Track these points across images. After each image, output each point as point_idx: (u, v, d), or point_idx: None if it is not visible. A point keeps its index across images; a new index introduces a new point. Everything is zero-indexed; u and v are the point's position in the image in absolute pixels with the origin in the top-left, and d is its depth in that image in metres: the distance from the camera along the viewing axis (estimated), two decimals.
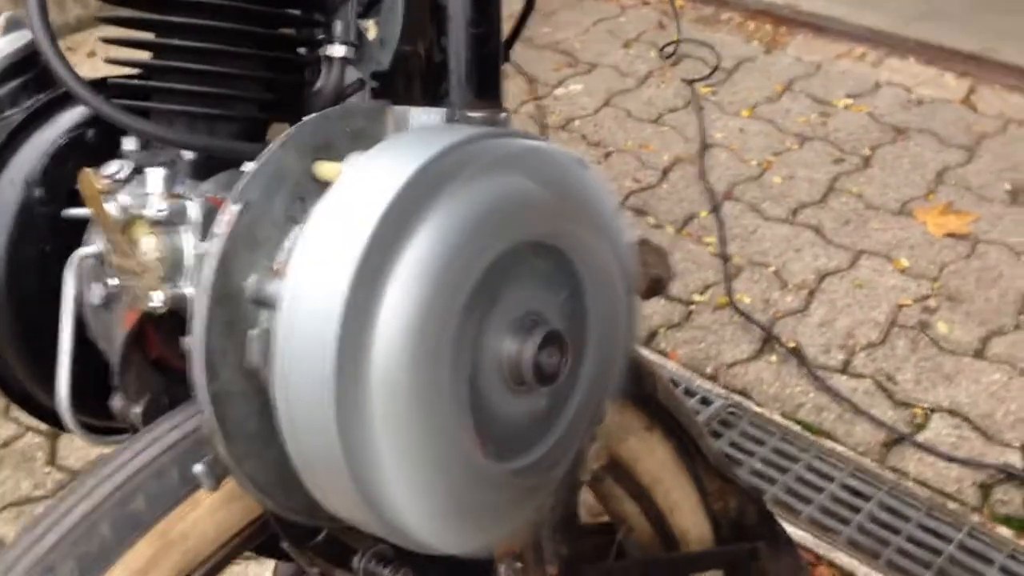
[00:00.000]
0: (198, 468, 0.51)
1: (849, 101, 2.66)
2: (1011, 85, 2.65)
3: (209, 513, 0.55)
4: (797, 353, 1.96)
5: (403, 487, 0.46)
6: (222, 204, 0.55)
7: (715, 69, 2.80)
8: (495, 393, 0.49)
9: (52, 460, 1.78)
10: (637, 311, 0.55)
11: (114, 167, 0.61)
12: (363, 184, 0.46)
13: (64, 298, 0.59)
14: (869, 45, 2.88)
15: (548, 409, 0.52)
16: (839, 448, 1.78)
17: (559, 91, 2.81)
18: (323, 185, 0.52)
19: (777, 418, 1.84)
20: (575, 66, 2.92)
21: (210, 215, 0.54)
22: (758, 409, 1.86)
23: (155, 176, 0.54)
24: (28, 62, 0.64)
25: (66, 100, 0.63)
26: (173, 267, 0.54)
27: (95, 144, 0.63)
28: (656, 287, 0.65)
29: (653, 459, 0.86)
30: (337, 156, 0.52)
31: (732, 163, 2.48)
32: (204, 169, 0.60)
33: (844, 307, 2.07)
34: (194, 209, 0.53)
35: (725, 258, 2.19)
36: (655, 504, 0.88)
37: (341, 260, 0.45)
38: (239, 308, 0.50)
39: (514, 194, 0.48)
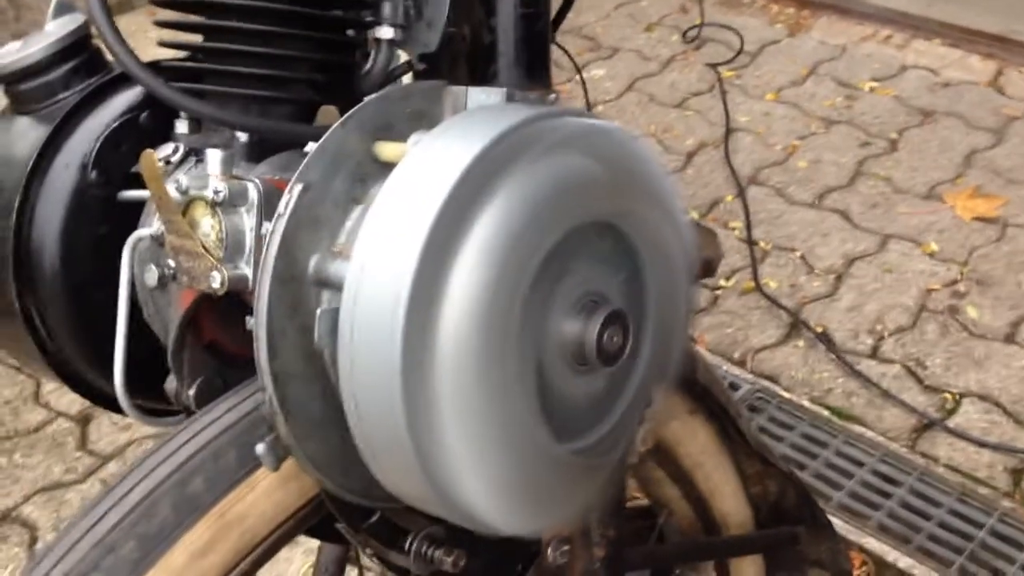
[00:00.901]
0: (260, 448, 0.51)
1: (875, 84, 2.64)
2: None
3: (266, 494, 0.56)
4: (825, 338, 1.95)
5: (469, 467, 0.46)
6: (282, 185, 0.55)
7: (739, 52, 2.78)
8: (557, 373, 0.49)
9: (83, 445, 1.79)
10: (695, 291, 0.54)
11: (168, 149, 0.61)
12: (429, 164, 0.46)
13: (121, 280, 0.59)
14: (894, 27, 2.85)
15: (608, 389, 0.52)
16: (869, 433, 1.77)
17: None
18: (384, 166, 0.52)
19: (806, 403, 1.83)
20: (597, 51, 2.91)
21: (270, 196, 0.54)
22: (786, 394, 1.85)
23: (214, 157, 0.54)
24: (79, 46, 0.64)
25: (118, 83, 0.64)
26: (233, 248, 0.54)
27: (148, 127, 0.63)
28: (707, 269, 0.64)
29: (695, 442, 0.86)
30: (398, 137, 0.52)
31: (757, 147, 2.47)
32: (258, 151, 0.60)
33: (872, 292, 2.05)
34: (254, 190, 0.53)
35: (751, 243, 2.18)
36: (696, 488, 0.88)
37: (408, 241, 0.45)
38: (301, 289, 0.50)
39: (577, 174, 0.48)
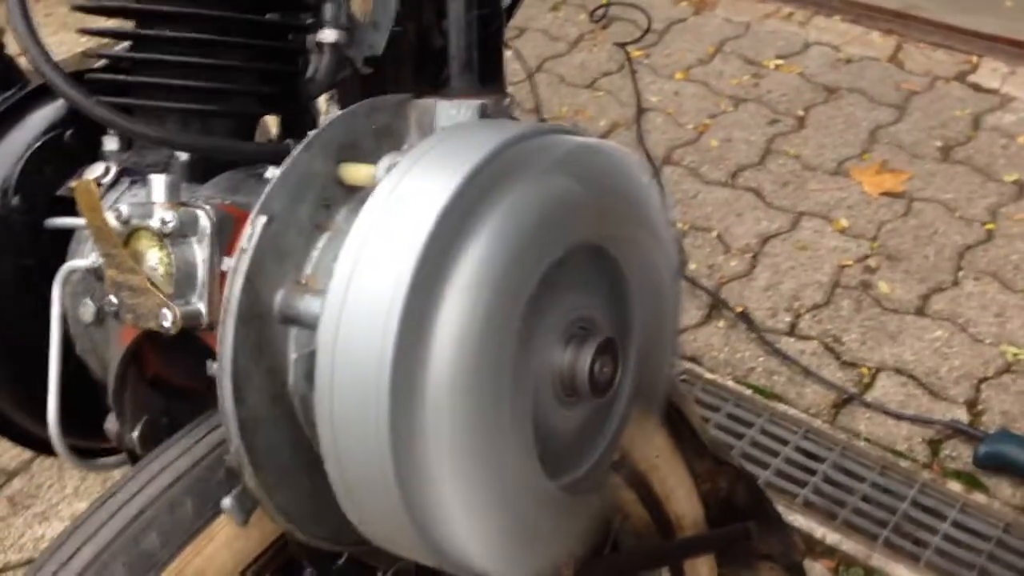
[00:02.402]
0: (227, 502, 0.47)
1: (780, 61, 2.67)
2: (936, 42, 2.69)
3: (226, 545, 0.52)
4: (745, 317, 1.97)
5: (461, 513, 0.43)
6: (233, 210, 0.50)
7: (646, 31, 2.78)
8: (546, 406, 0.47)
9: None
10: (680, 312, 0.52)
11: (99, 170, 0.56)
12: (409, 194, 0.43)
13: (52, 316, 0.54)
14: (796, 4, 2.89)
15: (596, 419, 0.50)
16: (791, 411, 1.80)
17: None
18: (350, 189, 0.48)
19: (730, 384, 1.85)
20: None
21: (222, 224, 0.49)
22: (710, 375, 1.87)
23: (158, 184, 0.49)
24: None
25: (37, 97, 0.58)
26: (184, 282, 0.49)
27: (73, 145, 0.57)
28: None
29: (651, 446, 0.85)
30: (363, 156, 0.48)
31: (669, 127, 2.47)
32: (200, 170, 0.56)
33: (788, 270, 2.08)
34: (205, 218, 0.49)
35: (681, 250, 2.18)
36: (651, 491, 0.87)
37: (393, 273, 0.41)
38: (266, 327, 0.46)
39: (567, 199, 0.45)
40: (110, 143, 0.57)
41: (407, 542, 0.45)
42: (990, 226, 2.16)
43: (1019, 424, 1.75)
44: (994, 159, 2.32)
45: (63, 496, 1.64)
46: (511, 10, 0.72)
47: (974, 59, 2.63)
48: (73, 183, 0.57)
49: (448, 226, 0.42)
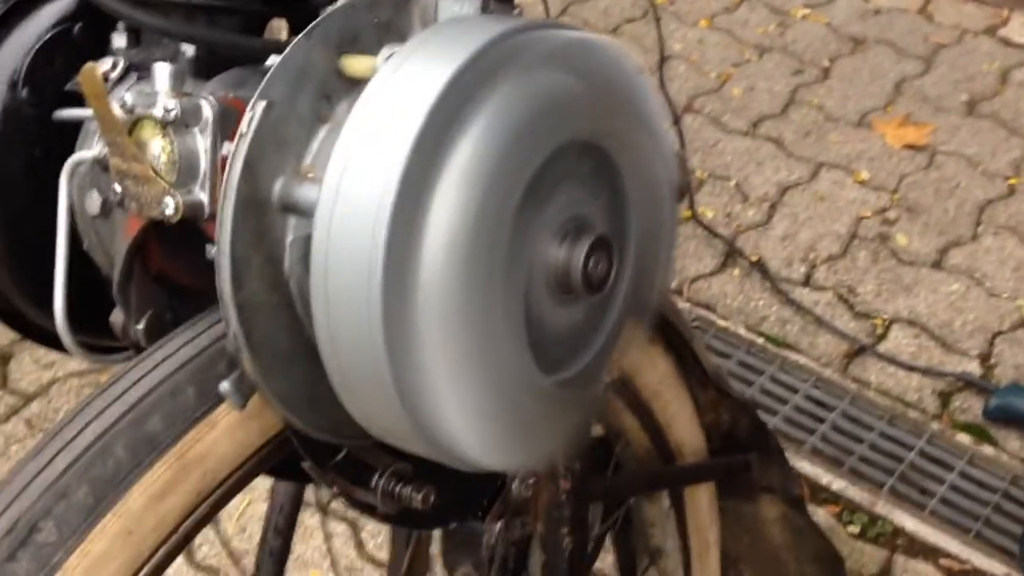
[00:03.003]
0: (224, 386, 0.48)
1: (807, 11, 2.64)
2: None
3: (227, 433, 0.53)
4: (760, 267, 1.96)
5: (453, 401, 0.44)
6: (237, 103, 0.51)
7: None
8: (541, 302, 0.47)
9: (3, 384, 1.72)
10: (677, 216, 0.53)
11: (107, 64, 0.56)
12: (405, 82, 0.43)
13: (59, 208, 0.55)
14: None
15: (591, 318, 0.50)
16: (802, 360, 1.80)
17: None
18: (351, 82, 0.48)
19: (742, 331, 1.85)
20: None
21: (225, 115, 0.50)
22: (723, 323, 1.87)
23: (162, 72, 0.49)
24: None
25: None
26: (186, 171, 0.50)
27: (82, 40, 0.58)
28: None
29: (654, 372, 0.85)
30: (365, 49, 0.48)
31: (691, 75, 2.45)
32: (206, 67, 0.56)
33: (805, 220, 2.07)
34: (208, 108, 0.49)
35: (687, 172, 2.17)
36: (654, 417, 0.87)
37: (387, 161, 0.42)
38: (265, 215, 0.47)
39: (562, 92, 0.45)
40: (118, 39, 0.57)
41: (399, 429, 0.46)
42: (1013, 181, 2.14)
43: None
44: (1020, 114, 2.29)
45: None
46: None
47: (1004, 13, 2.59)
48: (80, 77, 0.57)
49: (442, 115, 0.42)
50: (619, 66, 0.48)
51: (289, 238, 0.46)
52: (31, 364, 1.75)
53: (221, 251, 0.45)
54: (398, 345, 0.43)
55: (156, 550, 0.50)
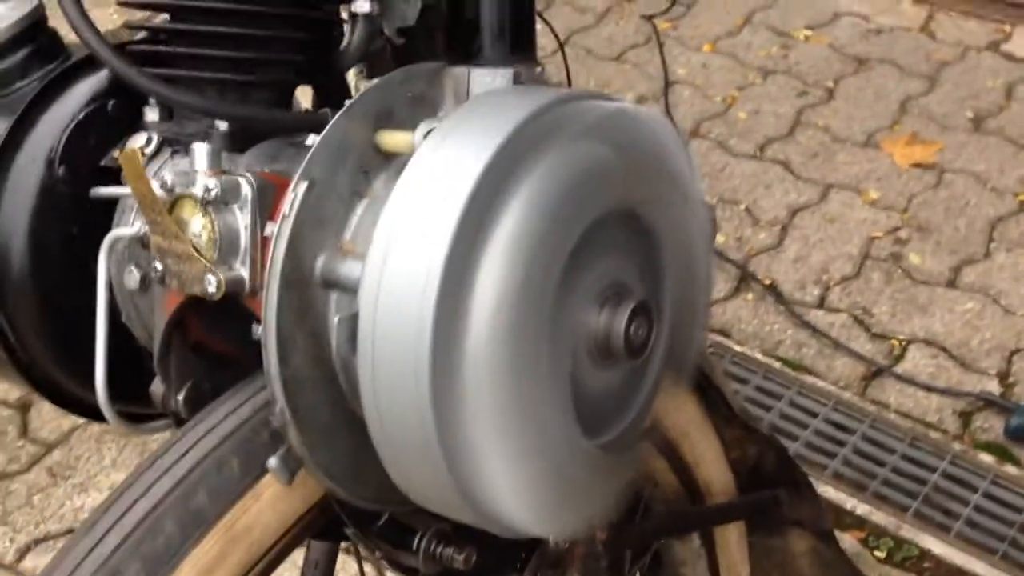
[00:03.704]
0: (272, 462, 0.48)
1: (809, 32, 2.65)
2: (967, 11, 2.66)
3: (271, 504, 0.53)
4: (774, 290, 1.97)
5: (501, 470, 0.44)
6: (273, 178, 0.51)
7: (674, 3, 2.76)
8: (583, 368, 0.48)
9: (24, 433, 1.73)
10: (714, 276, 0.53)
11: (141, 140, 0.57)
12: (448, 158, 0.44)
13: (99, 283, 0.55)
14: None
15: (630, 381, 0.50)
16: (820, 383, 1.80)
17: None
18: (387, 156, 0.49)
19: (758, 356, 1.85)
20: None
21: (263, 191, 0.50)
22: (739, 348, 1.87)
23: (200, 152, 0.50)
24: (35, 28, 0.59)
25: (80, 69, 0.59)
26: (227, 249, 0.50)
27: (116, 116, 0.59)
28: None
29: (682, 413, 0.85)
30: (399, 124, 0.49)
31: (696, 99, 2.46)
32: (240, 140, 0.57)
33: (817, 242, 2.08)
34: (247, 186, 0.50)
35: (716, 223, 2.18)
36: (682, 458, 0.88)
37: (431, 239, 0.42)
38: (308, 292, 0.47)
39: (600, 164, 0.46)
40: (151, 114, 0.58)
41: (447, 499, 0.46)
42: (1023, 197, 2.14)
43: None
44: None
45: (101, 467, 1.67)
46: None
47: (1007, 28, 2.60)
48: (117, 153, 0.58)
49: (485, 190, 0.43)
50: (654, 134, 0.48)
51: (333, 315, 0.47)
52: (51, 412, 1.75)
53: (267, 329, 0.46)
54: (446, 417, 0.43)
55: None
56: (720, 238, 2.08)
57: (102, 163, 0.58)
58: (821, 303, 1.95)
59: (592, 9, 2.81)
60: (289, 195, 0.46)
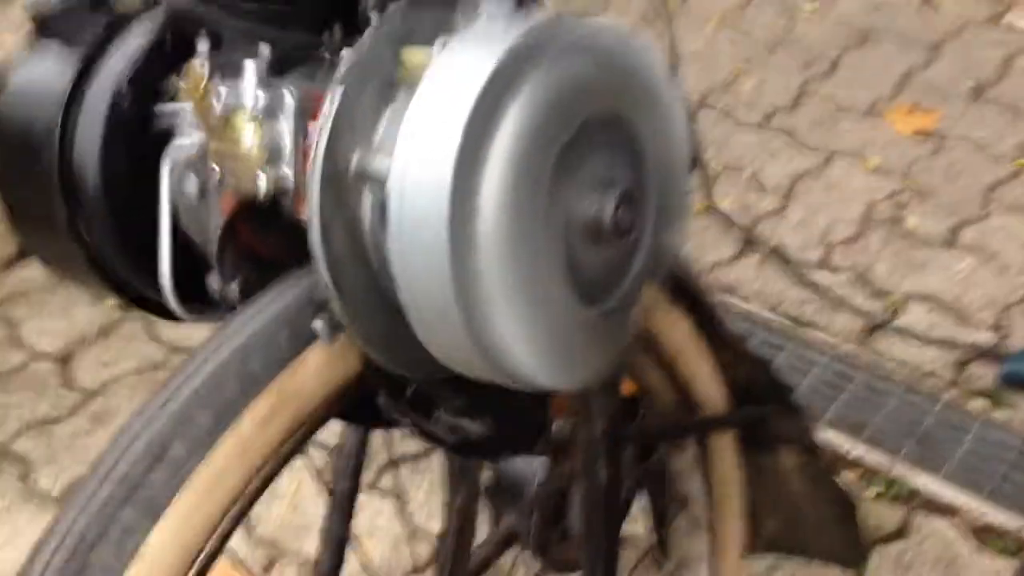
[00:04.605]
0: (318, 324, 0.58)
1: (815, 5, 2.72)
2: None
3: (315, 373, 0.62)
4: (778, 252, 2.05)
5: (511, 328, 0.53)
6: (311, 92, 0.61)
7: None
8: (579, 245, 0.57)
9: (65, 383, 1.84)
10: (691, 176, 0.62)
11: (196, 64, 0.66)
12: (460, 67, 0.53)
13: (161, 189, 0.65)
14: None
15: (621, 258, 0.59)
16: (821, 336, 1.88)
17: None
18: (411, 70, 0.58)
19: (763, 312, 1.93)
20: None
21: (303, 103, 0.60)
22: (744, 305, 1.95)
23: (250, 68, 0.59)
24: None
25: (135, 14, 0.68)
26: (274, 152, 0.60)
27: (171, 47, 0.68)
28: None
29: (677, 331, 0.94)
30: (420, 43, 0.58)
31: (704, 72, 2.54)
32: (280, 66, 0.66)
33: (819, 207, 2.15)
34: (289, 97, 0.59)
35: (703, 165, 2.26)
36: (678, 373, 0.96)
37: (447, 133, 0.51)
38: (343, 184, 0.56)
39: (587, 73, 0.55)
40: (202, 44, 0.67)
41: (469, 358, 0.55)
42: (1020, 163, 2.22)
43: None
44: None
45: None
46: None
47: (1007, 1, 2.66)
48: (174, 77, 0.67)
49: (489, 97, 0.52)
50: (631, 47, 0.57)
51: (366, 203, 0.56)
52: (90, 363, 1.86)
53: (312, 214, 0.55)
54: (464, 283, 0.52)
55: (262, 467, 0.60)
56: (726, 203, 2.17)
57: (162, 88, 0.67)
58: (823, 264, 2.03)
59: None
60: (327, 100, 0.55)
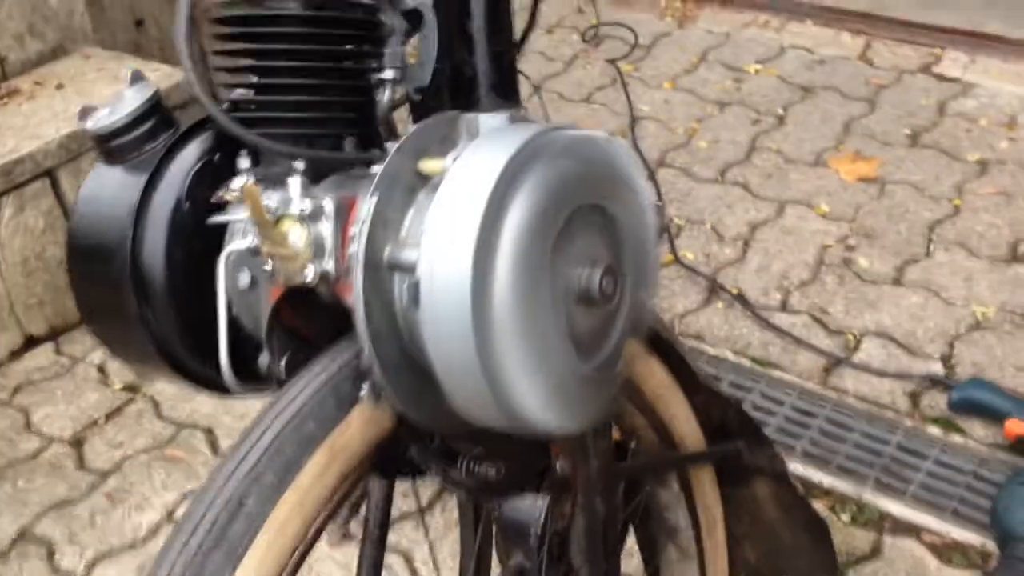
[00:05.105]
0: (364, 390, 0.70)
1: (759, 66, 2.91)
2: (901, 38, 2.92)
3: (358, 431, 0.74)
4: (740, 298, 2.19)
5: (525, 383, 0.66)
6: (346, 198, 0.73)
7: (634, 47, 3.02)
8: (574, 311, 0.69)
9: (81, 465, 1.93)
10: (659, 251, 0.75)
11: (241, 180, 0.79)
12: (472, 173, 0.66)
13: (218, 284, 0.77)
14: (771, 13, 3.13)
15: (608, 319, 0.72)
16: (786, 376, 2.02)
17: None
18: (425, 178, 0.71)
19: (730, 356, 2.07)
20: None
21: (340, 209, 0.72)
22: (712, 350, 2.09)
23: (295, 183, 0.72)
24: (157, 107, 0.81)
25: (191, 134, 0.81)
26: (317, 250, 0.72)
27: (220, 164, 0.80)
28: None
29: (655, 380, 1.07)
30: (433, 155, 0.71)
31: (661, 132, 2.71)
32: (311, 177, 0.78)
33: (776, 252, 2.31)
34: (330, 204, 0.72)
35: (664, 218, 2.41)
36: (658, 416, 1.09)
37: (466, 225, 0.64)
38: (379, 273, 0.69)
39: (575, 172, 0.68)
40: (243, 161, 0.80)
41: (490, 412, 0.67)
42: (956, 202, 2.39)
43: (988, 373, 1.96)
44: (958, 141, 2.55)
45: (153, 489, 1.87)
46: (522, 43, 0.95)
47: (937, 51, 2.86)
48: (222, 192, 0.79)
49: (498, 194, 0.65)
50: (608, 149, 0.71)
51: (399, 287, 0.68)
52: (102, 445, 1.96)
53: (356, 297, 0.67)
54: (485, 347, 0.65)
55: (318, 515, 0.72)
56: (690, 255, 2.31)
57: (213, 199, 0.80)
58: (783, 306, 2.18)
59: (560, 57, 3.06)
60: (365, 205, 0.67)
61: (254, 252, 0.76)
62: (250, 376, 0.82)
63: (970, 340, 2.04)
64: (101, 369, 2.11)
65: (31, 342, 2.17)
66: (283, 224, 0.73)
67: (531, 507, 0.93)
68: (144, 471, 1.88)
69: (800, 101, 2.75)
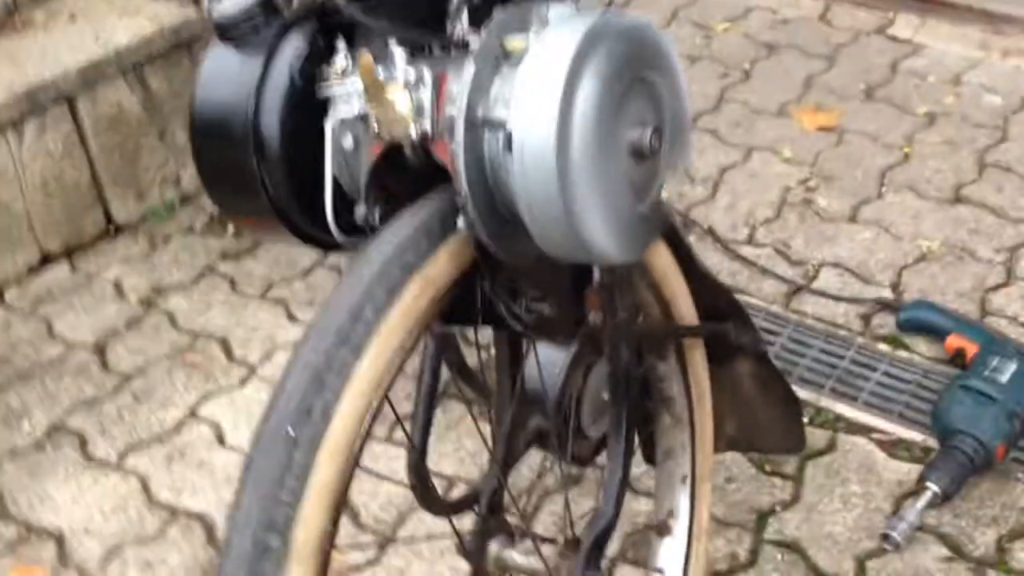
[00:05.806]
0: (460, 221, 0.86)
1: (727, 24, 3.09)
2: (858, 2, 3.13)
3: (444, 264, 0.90)
4: (711, 232, 2.39)
5: (596, 216, 0.83)
6: (440, 72, 0.90)
7: (609, 4, 3.18)
8: (629, 163, 0.87)
9: (105, 368, 2.06)
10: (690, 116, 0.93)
11: (342, 61, 0.95)
12: (553, 47, 0.82)
13: (327, 145, 0.93)
14: None
15: (653, 169, 0.90)
16: (752, 300, 2.22)
17: None
18: (510, 53, 0.87)
19: None
20: None
21: (437, 79, 0.89)
22: None
23: (400, 55, 0.89)
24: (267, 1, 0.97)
25: (297, 20, 0.97)
26: (419, 112, 0.88)
27: (323, 44, 0.96)
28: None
29: (661, 260, 1.25)
30: (516, 32, 0.88)
31: None
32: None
33: (743, 193, 2.50)
34: (428, 74, 0.88)
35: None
36: (662, 294, 1.27)
37: (550, 89, 0.81)
38: (475, 127, 0.86)
39: (632, 50, 0.85)
40: (341, 42, 0.95)
41: (567, 242, 0.84)
42: (907, 149, 2.60)
43: (932, 297, 2.18)
44: (908, 96, 2.76)
45: (175, 390, 2.01)
46: None
47: (891, 15, 3.07)
48: (327, 66, 0.95)
49: (577, 63, 0.81)
50: (656, 34, 0.88)
51: (491, 138, 0.85)
52: (124, 351, 2.09)
53: (457, 145, 0.84)
54: (565, 188, 0.81)
55: (412, 334, 0.88)
56: (664, 195, 2.49)
57: (318, 72, 0.95)
58: (750, 240, 2.38)
59: None
60: (466, 73, 0.84)
61: (359, 118, 0.92)
62: (346, 229, 0.98)
63: (916, 270, 2.26)
64: (117, 285, 2.24)
65: (47, 259, 2.29)
66: (389, 91, 0.90)
67: (562, 350, 1.10)
68: (166, 374, 2.02)
69: (765, 57, 2.95)
